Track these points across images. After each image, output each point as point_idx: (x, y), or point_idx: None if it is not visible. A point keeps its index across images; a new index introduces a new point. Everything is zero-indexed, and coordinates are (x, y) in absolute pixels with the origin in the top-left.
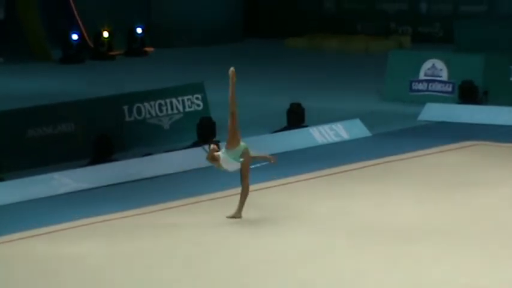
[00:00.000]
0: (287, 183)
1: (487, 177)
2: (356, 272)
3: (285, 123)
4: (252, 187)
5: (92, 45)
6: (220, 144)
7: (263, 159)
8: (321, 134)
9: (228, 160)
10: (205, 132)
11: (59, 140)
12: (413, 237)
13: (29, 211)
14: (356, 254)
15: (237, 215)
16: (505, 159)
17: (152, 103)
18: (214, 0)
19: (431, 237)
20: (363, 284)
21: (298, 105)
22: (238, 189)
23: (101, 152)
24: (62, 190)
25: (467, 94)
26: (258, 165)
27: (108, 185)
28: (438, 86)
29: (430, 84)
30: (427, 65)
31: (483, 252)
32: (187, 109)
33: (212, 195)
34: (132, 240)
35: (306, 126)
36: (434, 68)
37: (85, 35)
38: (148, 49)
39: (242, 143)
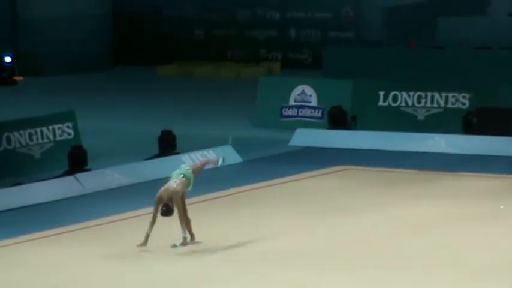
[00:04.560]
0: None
1: (358, 202)
2: None
3: (156, 151)
4: (122, 215)
5: None
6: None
7: (206, 165)
8: (193, 160)
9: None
10: (76, 160)
11: None
12: (287, 261)
13: None
14: (230, 277)
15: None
16: (374, 183)
17: (22, 132)
18: (84, 28)
19: (302, 262)
20: None
21: (170, 132)
22: (105, 219)
23: None
24: None
25: (337, 119)
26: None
27: None
28: (308, 112)
29: (300, 110)
30: (297, 91)
31: (355, 275)
32: (58, 138)
33: (81, 225)
34: (9, 268)
35: (178, 153)
36: (304, 93)
37: None
38: (18, 78)
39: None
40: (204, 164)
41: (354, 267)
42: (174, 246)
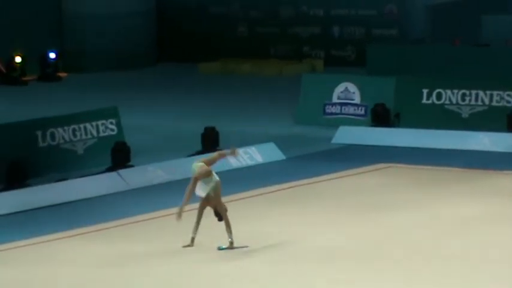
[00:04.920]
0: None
1: (400, 199)
2: None
3: (199, 147)
4: (166, 211)
5: (3, 71)
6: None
7: (223, 157)
8: (236, 157)
9: (200, 185)
10: (120, 156)
11: None
12: (329, 259)
13: None
14: (272, 277)
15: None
16: (417, 181)
17: (66, 128)
18: (129, 24)
19: (346, 258)
20: None
21: (213, 129)
22: (148, 215)
23: (14, 177)
24: None
25: (380, 117)
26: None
27: (21, 211)
28: (351, 109)
29: (343, 107)
30: (340, 88)
31: (397, 273)
32: (101, 134)
33: (125, 220)
34: (47, 265)
35: (221, 149)
36: (347, 91)
37: None
38: (62, 74)
39: (215, 177)
40: (221, 155)
41: (394, 265)
42: (220, 248)
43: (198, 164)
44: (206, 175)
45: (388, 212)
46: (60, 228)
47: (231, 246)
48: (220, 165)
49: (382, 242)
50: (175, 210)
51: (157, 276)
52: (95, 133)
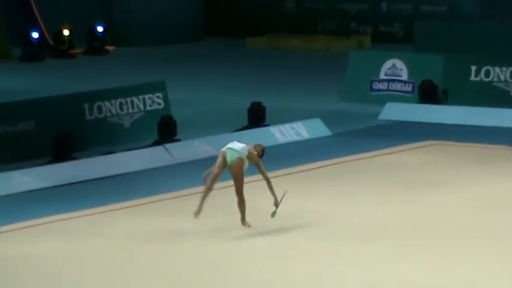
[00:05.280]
0: (248, 182)
1: (446, 177)
2: (316, 272)
3: (246, 122)
4: (216, 185)
5: (52, 44)
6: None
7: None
8: (282, 133)
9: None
10: (166, 130)
11: (19, 138)
12: (374, 237)
13: None
14: (316, 253)
15: (244, 222)
16: (464, 158)
17: (113, 102)
18: None
19: (391, 236)
20: (323, 284)
21: (259, 104)
22: (194, 190)
23: (61, 150)
24: (21, 188)
25: (427, 94)
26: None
27: (67, 184)
28: (398, 86)
29: (390, 83)
30: (388, 64)
31: (442, 251)
32: (148, 108)
33: (171, 195)
34: (91, 238)
35: (267, 125)
36: (395, 67)
37: (45, 33)
38: (109, 47)
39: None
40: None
41: (437, 242)
42: (274, 214)
43: (245, 153)
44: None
45: (434, 189)
46: (105, 201)
47: (277, 203)
48: (266, 141)
49: (427, 220)
50: (222, 184)
51: (201, 253)
52: (141, 107)
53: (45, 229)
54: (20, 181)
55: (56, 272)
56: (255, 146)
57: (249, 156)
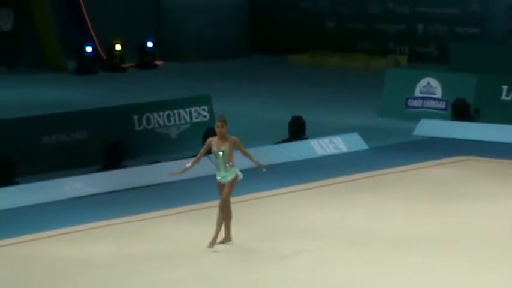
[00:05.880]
0: (288, 192)
1: (478, 191)
2: (350, 280)
3: (286, 135)
4: (252, 195)
5: (104, 58)
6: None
7: (252, 160)
8: (321, 146)
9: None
10: None
11: (72, 147)
12: (405, 247)
13: (41, 214)
14: (351, 262)
15: (228, 238)
16: (495, 173)
17: (161, 113)
18: (223, 16)
19: (422, 246)
20: None
21: (300, 118)
22: (237, 198)
23: (112, 158)
24: (72, 194)
25: (460, 111)
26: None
27: (117, 190)
28: (433, 103)
29: (425, 101)
30: (423, 83)
31: (472, 265)
32: (194, 120)
33: (212, 203)
34: (139, 243)
35: (307, 138)
36: (430, 86)
37: (98, 47)
38: (158, 62)
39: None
40: (246, 153)
41: (467, 254)
42: (263, 167)
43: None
44: (233, 147)
45: (466, 202)
46: (152, 208)
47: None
48: (305, 153)
49: (458, 232)
50: (263, 194)
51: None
52: (188, 119)
53: (95, 233)
54: (72, 187)
55: (103, 275)
56: (220, 122)
57: (234, 144)
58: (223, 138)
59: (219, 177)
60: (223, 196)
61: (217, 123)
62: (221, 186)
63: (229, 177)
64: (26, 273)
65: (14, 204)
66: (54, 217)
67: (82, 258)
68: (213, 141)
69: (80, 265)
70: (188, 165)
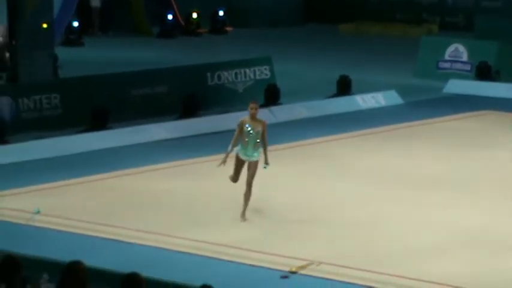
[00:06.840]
0: (336, 139)
1: (497, 140)
2: (384, 213)
3: (335, 91)
4: (307, 141)
5: (183, 24)
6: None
7: (264, 150)
8: (364, 100)
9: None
10: (271, 96)
11: (155, 99)
12: (431, 186)
13: (129, 154)
14: (384, 198)
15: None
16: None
17: (230, 71)
18: None
19: (445, 186)
20: (389, 224)
21: (347, 77)
22: (292, 144)
23: (188, 109)
24: (156, 138)
25: (483, 73)
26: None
27: (193, 135)
28: (460, 66)
29: (453, 63)
30: (451, 48)
31: (490, 201)
32: (257, 77)
33: (273, 147)
34: (211, 179)
35: (352, 94)
36: (457, 50)
37: (178, 15)
38: (228, 28)
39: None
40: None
41: (483, 191)
42: (265, 167)
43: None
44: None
45: (486, 149)
46: (220, 150)
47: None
48: (351, 107)
49: (477, 173)
50: (317, 140)
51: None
52: (252, 76)
53: (175, 171)
54: (156, 132)
55: (184, 204)
56: (253, 103)
57: (263, 126)
58: (255, 119)
59: (245, 156)
60: (252, 174)
61: (251, 105)
62: (243, 163)
63: (256, 156)
64: (121, 200)
65: (108, 145)
66: (141, 157)
67: (165, 190)
68: (245, 120)
69: (163, 196)
70: (229, 149)
